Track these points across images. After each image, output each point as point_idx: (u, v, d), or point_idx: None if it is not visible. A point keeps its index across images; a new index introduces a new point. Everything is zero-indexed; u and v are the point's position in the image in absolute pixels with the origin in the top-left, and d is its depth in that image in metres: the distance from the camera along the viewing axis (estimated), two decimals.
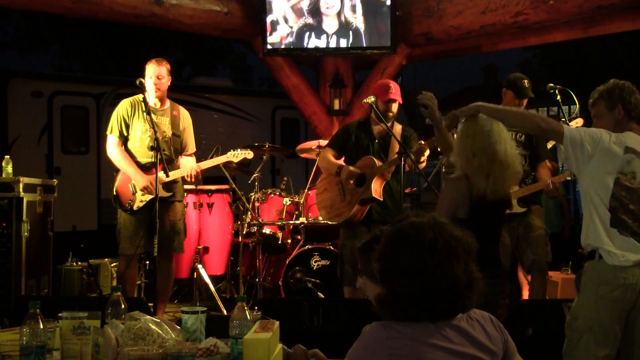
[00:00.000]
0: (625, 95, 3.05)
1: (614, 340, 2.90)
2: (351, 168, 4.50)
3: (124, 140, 4.84)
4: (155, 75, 4.78)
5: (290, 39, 7.05)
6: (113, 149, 4.84)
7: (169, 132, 4.86)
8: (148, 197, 4.73)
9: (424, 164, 4.38)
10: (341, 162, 4.67)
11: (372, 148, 4.59)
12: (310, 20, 7.01)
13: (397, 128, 4.61)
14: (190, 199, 5.91)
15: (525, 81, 4.71)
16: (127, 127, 4.82)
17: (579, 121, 4.93)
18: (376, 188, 4.44)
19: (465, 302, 1.78)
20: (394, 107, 4.52)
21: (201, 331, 2.33)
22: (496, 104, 4.94)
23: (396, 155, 4.28)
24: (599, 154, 2.92)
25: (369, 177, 4.45)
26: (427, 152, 4.26)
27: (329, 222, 4.75)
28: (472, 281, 1.77)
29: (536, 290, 4.67)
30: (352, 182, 4.48)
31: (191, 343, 2.17)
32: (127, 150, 4.84)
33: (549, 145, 4.81)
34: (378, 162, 4.45)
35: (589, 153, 2.92)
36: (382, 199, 4.45)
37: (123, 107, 4.86)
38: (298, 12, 7.02)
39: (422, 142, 4.21)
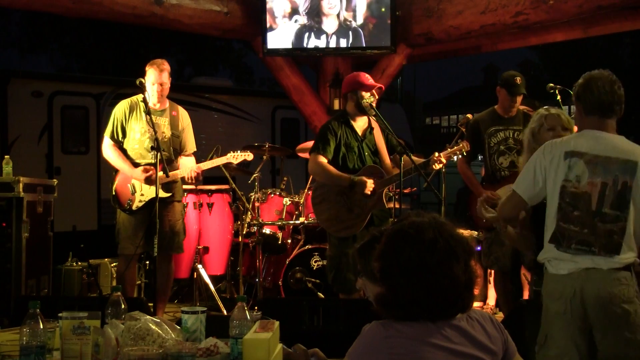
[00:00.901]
0: (583, 90, 2.86)
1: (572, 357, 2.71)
2: (367, 180, 4.25)
3: (119, 143, 4.84)
4: (158, 82, 4.76)
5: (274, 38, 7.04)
6: (108, 150, 4.86)
7: (168, 133, 4.86)
8: (147, 197, 4.73)
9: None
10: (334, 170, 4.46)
11: (362, 150, 4.44)
12: (308, 21, 7.01)
13: (374, 119, 4.50)
14: (190, 199, 5.90)
15: (518, 78, 4.72)
16: (123, 130, 4.83)
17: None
18: (384, 197, 4.37)
19: (465, 302, 1.77)
20: (376, 93, 4.43)
21: (201, 331, 2.33)
22: (494, 103, 4.99)
23: (410, 167, 4.26)
24: (547, 175, 2.80)
25: (379, 188, 4.33)
26: (443, 164, 4.29)
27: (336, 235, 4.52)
28: (472, 281, 1.77)
29: None
30: (359, 195, 4.32)
31: (191, 343, 2.17)
32: (124, 152, 4.84)
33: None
34: (382, 169, 4.39)
35: (543, 179, 2.81)
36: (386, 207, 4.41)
37: (120, 109, 4.85)
38: (270, 12, 7.01)
39: (437, 154, 4.24)
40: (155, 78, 4.76)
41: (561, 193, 2.75)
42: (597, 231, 2.70)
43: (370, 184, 4.26)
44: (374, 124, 4.49)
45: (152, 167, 4.57)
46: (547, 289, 2.80)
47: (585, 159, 2.75)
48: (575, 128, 4.72)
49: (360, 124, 4.47)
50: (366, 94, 4.36)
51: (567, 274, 2.71)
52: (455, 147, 4.33)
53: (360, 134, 4.47)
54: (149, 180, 4.70)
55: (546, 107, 3.42)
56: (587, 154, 2.76)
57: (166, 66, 4.85)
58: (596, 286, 2.66)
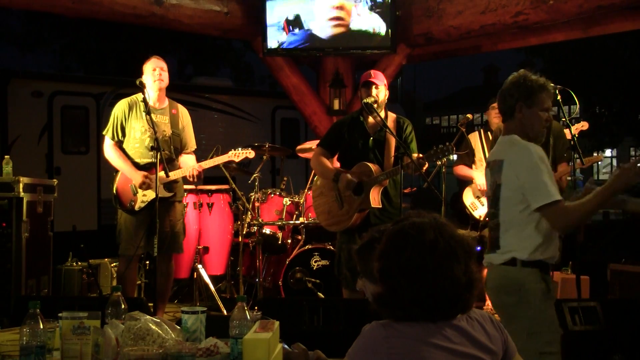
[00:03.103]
0: (498, 97, 2.96)
1: None
2: (349, 177, 4.32)
3: (119, 142, 4.84)
4: (159, 67, 4.79)
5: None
6: (109, 150, 4.86)
7: (168, 131, 4.86)
8: (149, 197, 4.73)
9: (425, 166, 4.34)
10: (334, 166, 4.56)
11: (367, 147, 4.43)
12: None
13: (391, 117, 4.48)
14: (190, 199, 5.90)
15: None
16: (123, 129, 4.83)
17: (585, 124, 4.97)
18: (374, 197, 4.33)
19: (465, 303, 1.77)
20: (374, 91, 4.36)
21: (201, 331, 2.33)
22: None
23: (394, 167, 4.27)
24: None
25: (366, 187, 4.32)
26: (426, 166, 4.22)
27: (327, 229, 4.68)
28: (472, 282, 1.77)
29: None
30: (349, 192, 4.36)
31: (191, 343, 2.17)
32: (125, 151, 4.84)
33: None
34: (374, 168, 4.33)
35: None
36: (381, 206, 4.36)
37: (120, 108, 4.85)
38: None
39: (421, 156, 4.17)
40: (155, 63, 4.79)
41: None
42: (488, 229, 3.02)
43: (349, 181, 4.30)
44: (390, 122, 4.45)
45: (151, 176, 4.57)
46: None
47: (489, 167, 2.99)
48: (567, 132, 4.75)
49: (372, 120, 4.45)
50: (371, 98, 4.34)
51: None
52: (439, 150, 4.16)
53: (370, 130, 4.46)
54: (144, 186, 4.71)
55: None
56: (489, 162, 3.00)
57: (164, 62, 4.88)
58: (489, 279, 2.95)
